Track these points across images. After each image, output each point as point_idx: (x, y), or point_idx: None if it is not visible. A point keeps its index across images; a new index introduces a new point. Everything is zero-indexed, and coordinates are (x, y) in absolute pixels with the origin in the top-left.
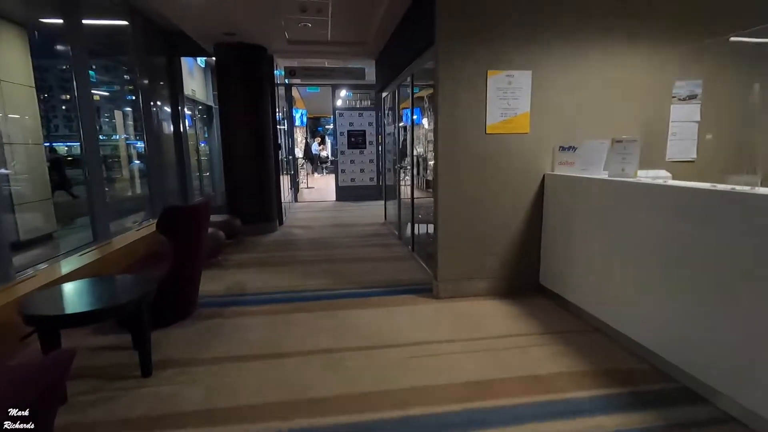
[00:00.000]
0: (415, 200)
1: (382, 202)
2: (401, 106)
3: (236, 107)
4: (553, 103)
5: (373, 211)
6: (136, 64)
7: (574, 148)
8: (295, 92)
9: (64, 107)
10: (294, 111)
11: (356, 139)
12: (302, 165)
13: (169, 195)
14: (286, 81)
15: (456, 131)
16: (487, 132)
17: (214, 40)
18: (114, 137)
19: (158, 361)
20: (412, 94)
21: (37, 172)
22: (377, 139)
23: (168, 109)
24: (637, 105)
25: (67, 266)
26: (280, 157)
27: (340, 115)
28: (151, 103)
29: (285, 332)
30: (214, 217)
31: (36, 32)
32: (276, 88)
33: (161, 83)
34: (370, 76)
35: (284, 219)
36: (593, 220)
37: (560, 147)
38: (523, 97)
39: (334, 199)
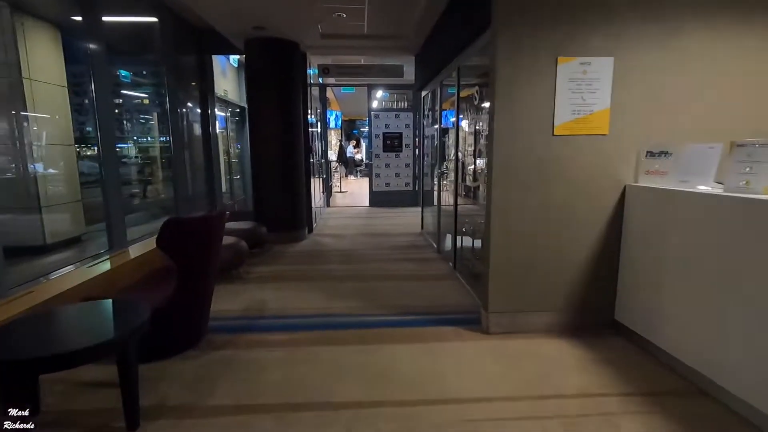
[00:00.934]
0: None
1: (419, 209)
2: (442, 107)
3: (266, 107)
4: (640, 97)
5: (408, 219)
6: (164, 63)
7: (667, 154)
8: (329, 93)
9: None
10: (328, 113)
11: (392, 142)
12: (336, 168)
13: (196, 199)
14: (320, 80)
15: (516, 132)
16: (554, 133)
17: (245, 36)
18: (149, 139)
19: (150, 407)
20: (458, 90)
21: (68, 173)
22: (414, 142)
23: (198, 110)
24: (754, 100)
25: (71, 279)
26: (311, 160)
27: (376, 116)
28: (179, 104)
29: (306, 372)
30: (238, 225)
31: (65, 30)
32: (309, 89)
33: (191, 83)
34: (409, 75)
35: (314, 226)
36: (698, 247)
37: (648, 152)
38: (602, 91)
39: (368, 204)
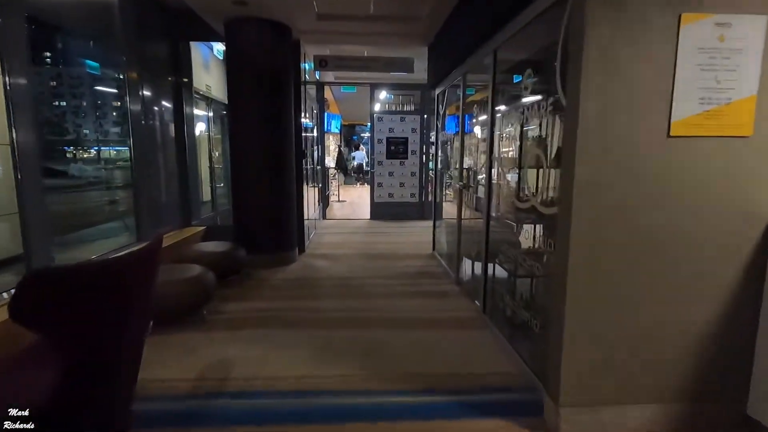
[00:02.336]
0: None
1: (425, 222)
2: (463, 106)
3: (250, 103)
4: None
5: (416, 235)
6: (124, 51)
7: None
8: (328, 94)
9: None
10: (327, 116)
11: (397, 148)
12: (334, 175)
13: (167, 211)
14: (317, 74)
15: (610, 132)
16: (670, 134)
17: (224, 15)
18: (110, 139)
19: None
20: (494, 81)
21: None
22: (421, 148)
23: (171, 107)
24: None
25: None
26: (305, 167)
27: (379, 119)
28: (143, 100)
29: None
30: (210, 247)
31: None
32: (304, 87)
33: (161, 76)
34: (419, 72)
35: (307, 244)
36: None
37: None
38: (746, 68)
39: (368, 217)
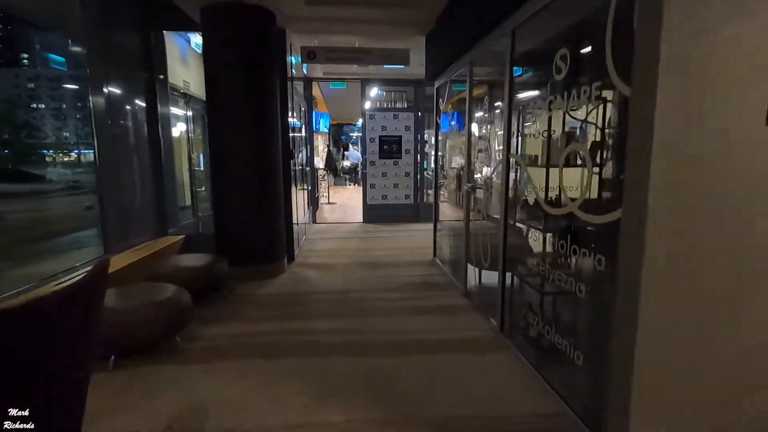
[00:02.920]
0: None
1: (421, 225)
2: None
3: (230, 101)
4: None
5: (413, 240)
6: (86, 41)
7: None
8: (316, 91)
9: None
10: (314, 114)
11: (390, 147)
12: (323, 176)
13: (137, 221)
14: (305, 69)
15: (698, 116)
16: None
17: (201, 1)
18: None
19: None
20: (511, 65)
21: None
22: (416, 147)
23: (143, 105)
24: None
25: None
26: (292, 168)
27: (371, 117)
28: (108, 96)
29: None
30: (188, 261)
31: None
32: (291, 83)
33: (129, 69)
34: (414, 65)
35: (296, 252)
36: None
37: None
38: None
39: (361, 219)
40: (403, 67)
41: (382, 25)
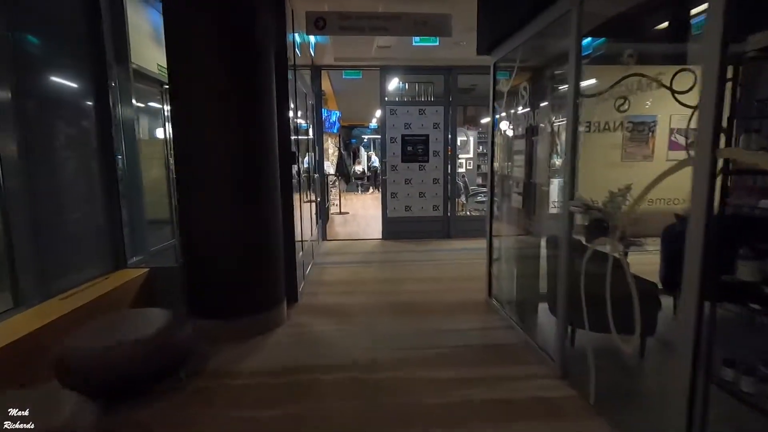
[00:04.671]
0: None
1: (453, 243)
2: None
3: (204, 90)
4: None
5: (449, 264)
6: None
7: None
8: (326, 84)
9: None
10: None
11: (415, 149)
12: (334, 182)
13: (76, 251)
14: (311, 46)
15: None
16: None
17: None
18: None
19: None
20: None
21: None
22: (446, 149)
23: (92, 95)
24: None
25: None
26: (297, 175)
27: (392, 112)
28: (12, 81)
29: None
30: (130, 325)
31: None
32: (294, 71)
33: (62, 44)
34: (446, 45)
35: (300, 287)
36: None
37: None
38: None
39: (380, 236)
40: (437, 43)
41: None
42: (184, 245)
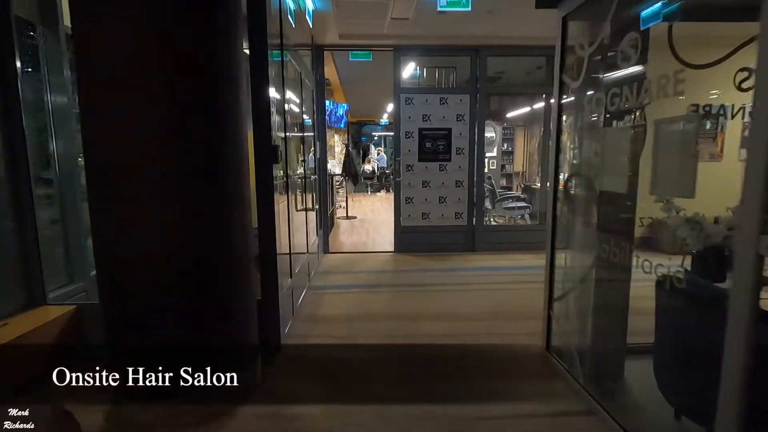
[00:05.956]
0: None
1: (479, 258)
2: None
3: (128, 60)
4: None
5: (478, 289)
6: None
7: None
8: (330, 72)
9: None
10: (331, 105)
11: (434, 145)
12: (340, 182)
13: None
14: (309, 17)
15: None
16: None
17: None
18: None
19: None
20: None
21: None
22: (471, 145)
23: None
24: None
25: None
26: (276, 176)
27: (407, 101)
28: None
29: None
30: None
31: None
32: (282, 50)
33: None
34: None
35: (288, 326)
36: None
37: None
38: None
39: (392, 248)
40: (468, 8)
41: None
42: (102, 283)
